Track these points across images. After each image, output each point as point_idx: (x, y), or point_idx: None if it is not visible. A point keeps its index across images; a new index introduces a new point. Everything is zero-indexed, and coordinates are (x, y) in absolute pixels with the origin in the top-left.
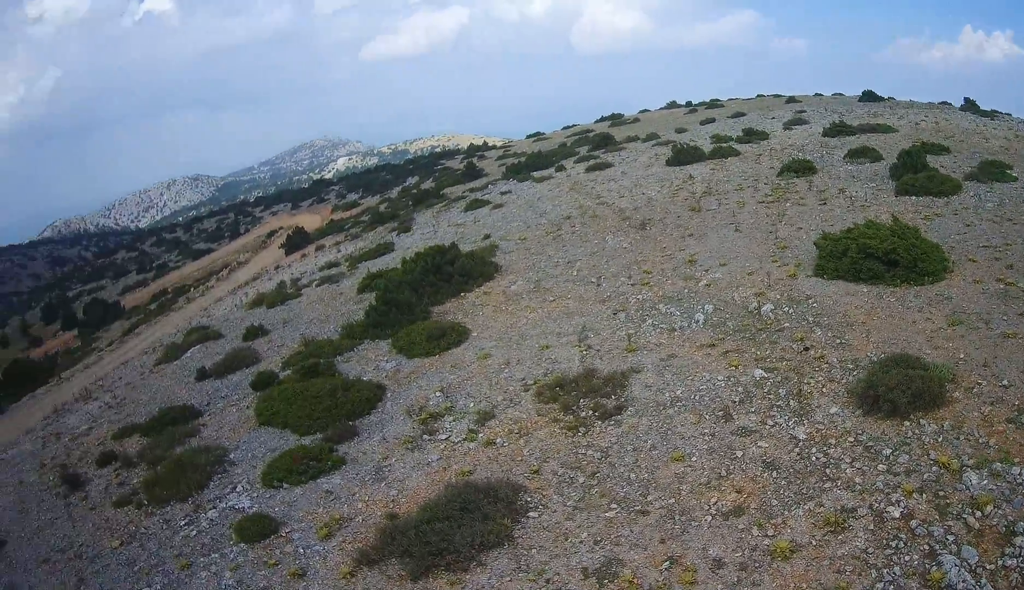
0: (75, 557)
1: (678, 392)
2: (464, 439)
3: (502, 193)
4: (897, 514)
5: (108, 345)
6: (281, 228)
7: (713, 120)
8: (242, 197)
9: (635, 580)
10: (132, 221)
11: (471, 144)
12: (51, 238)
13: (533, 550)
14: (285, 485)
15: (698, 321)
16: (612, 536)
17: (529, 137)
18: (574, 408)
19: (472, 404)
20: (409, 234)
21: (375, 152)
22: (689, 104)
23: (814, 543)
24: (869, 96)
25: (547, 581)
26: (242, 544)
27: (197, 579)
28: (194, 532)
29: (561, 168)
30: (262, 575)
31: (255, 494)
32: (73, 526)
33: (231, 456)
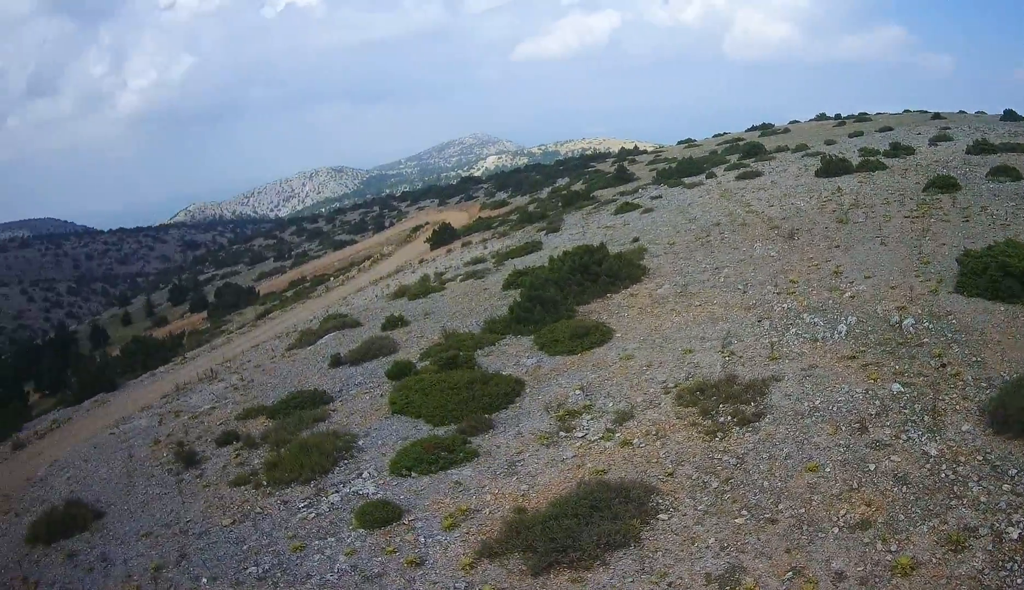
0: (180, 532)
1: (816, 402)
2: (601, 438)
3: (652, 197)
4: (1015, 535)
5: (239, 328)
6: (427, 223)
7: (861, 134)
8: (387, 191)
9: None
10: (271, 210)
11: (622, 148)
12: (184, 222)
13: (659, 553)
14: (413, 474)
15: (840, 332)
16: (739, 543)
17: (680, 143)
18: (713, 413)
19: (611, 404)
20: (558, 234)
21: (525, 152)
22: (838, 117)
23: (934, 561)
24: (1010, 115)
25: (669, 584)
26: (361, 529)
27: (309, 561)
28: (312, 515)
29: (712, 175)
30: (378, 561)
31: (381, 481)
32: (183, 502)
33: (360, 443)
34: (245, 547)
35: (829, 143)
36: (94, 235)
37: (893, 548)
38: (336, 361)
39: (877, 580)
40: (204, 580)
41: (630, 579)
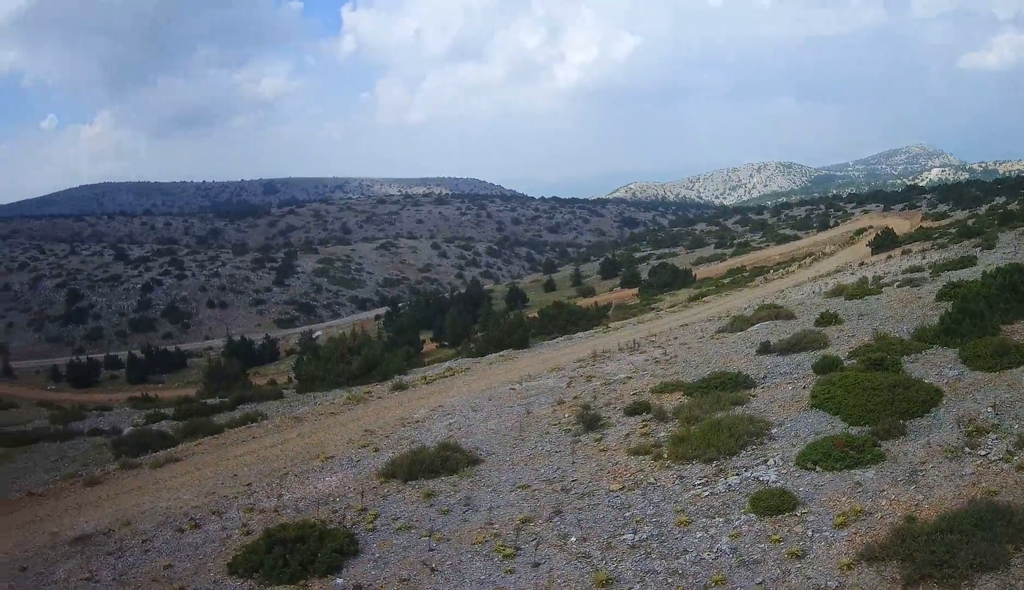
0: (561, 490)
1: None
2: (1000, 459)
3: None
4: None
5: (669, 307)
6: (871, 227)
7: None
8: (834, 192)
9: None
10: (716, 197)
11: None
12: (623, 199)
13: (1020, 581)
14: (818, 469)
15: None
16: None
17: None
18: None
19: (1017, 426)
20: (992, 251)
21: (966, 167)
22: None
23: None
24: None
25: None
26: (752, 515)
27: (690, 537)
28: (706, 493)
29: None
30: (760, 548)
31: (784, 470)
32: (573, 462)
33: (772, 431)
34: (627, 514)
35: None
36: (523, 201)
37: None
38: (764, 349)
39: None
40: (573, 539)
41: None
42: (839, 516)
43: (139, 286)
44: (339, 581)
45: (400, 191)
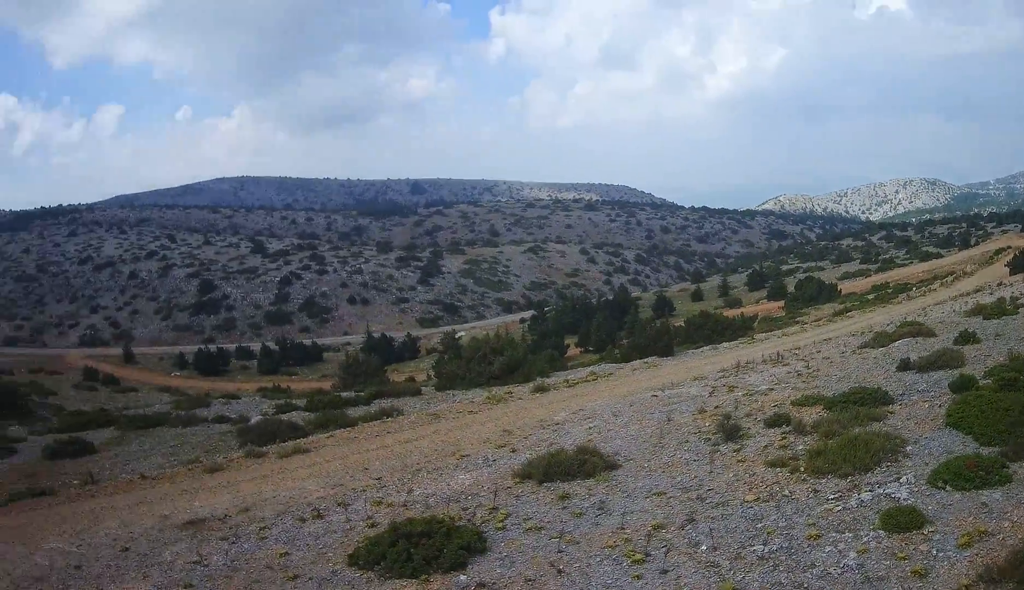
0: (696, 499)
1: None
2: None
3: None
4: None
5: (814, 321)
6: (1009, 247)
7: None
8: (975, 210)
9: None
10: (862, 212)
11: None
12: (771, 211)
13: None
14: (948, 488)
15: None
16: None
17: None
18: None
19: None
20: None
21: None
22: None
23: None
24: None
25: None
26: (881, 532)
27: (819, 551)
28: (838, 508)
29: None
30: (885, 565)
31: (915, 488)
32: (710, 471)
33: (907, 448)
34: (759, 525)
35: None
36: (672, 209)
37: None
38: (904, 365)
39: None
40: (703, 547)
41: None
42: (963, 536)
43: (277, 279)
44: (462, 578)
45: (550, 196)
